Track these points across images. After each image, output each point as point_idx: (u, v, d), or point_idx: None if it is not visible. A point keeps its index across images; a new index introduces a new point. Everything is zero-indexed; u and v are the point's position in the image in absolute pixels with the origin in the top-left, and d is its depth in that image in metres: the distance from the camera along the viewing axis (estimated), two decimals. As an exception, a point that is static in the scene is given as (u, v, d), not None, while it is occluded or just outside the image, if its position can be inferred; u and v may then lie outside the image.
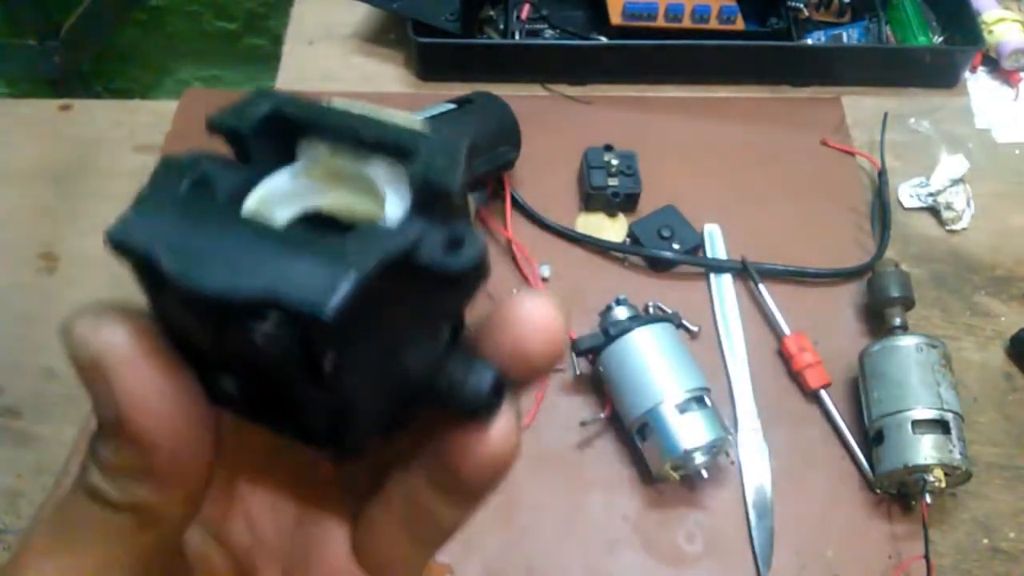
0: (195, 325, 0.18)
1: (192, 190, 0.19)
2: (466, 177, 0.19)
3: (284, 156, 0.20)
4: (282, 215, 0.20)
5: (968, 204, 0.76)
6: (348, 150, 0.20)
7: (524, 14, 0.86)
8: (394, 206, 0.19)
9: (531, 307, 0.19)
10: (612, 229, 0.74)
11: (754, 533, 0.60)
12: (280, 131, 0.20)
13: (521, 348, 0.19)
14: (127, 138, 0.80)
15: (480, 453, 0.19)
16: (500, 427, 0.19)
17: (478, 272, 0.18)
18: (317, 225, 0.20)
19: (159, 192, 0.19)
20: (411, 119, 0.20)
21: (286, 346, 0.17)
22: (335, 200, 0.20)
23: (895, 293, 0.66)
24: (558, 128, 0.80)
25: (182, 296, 0.17)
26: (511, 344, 0.19)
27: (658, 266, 0.72)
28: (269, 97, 0.20)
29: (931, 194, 0.76)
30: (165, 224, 0.18)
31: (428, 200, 0.19)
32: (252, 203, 0.19)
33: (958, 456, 0.57)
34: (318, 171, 0.20)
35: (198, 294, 0.17)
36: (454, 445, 0.19)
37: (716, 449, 0.59)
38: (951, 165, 0.75)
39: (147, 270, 0.18)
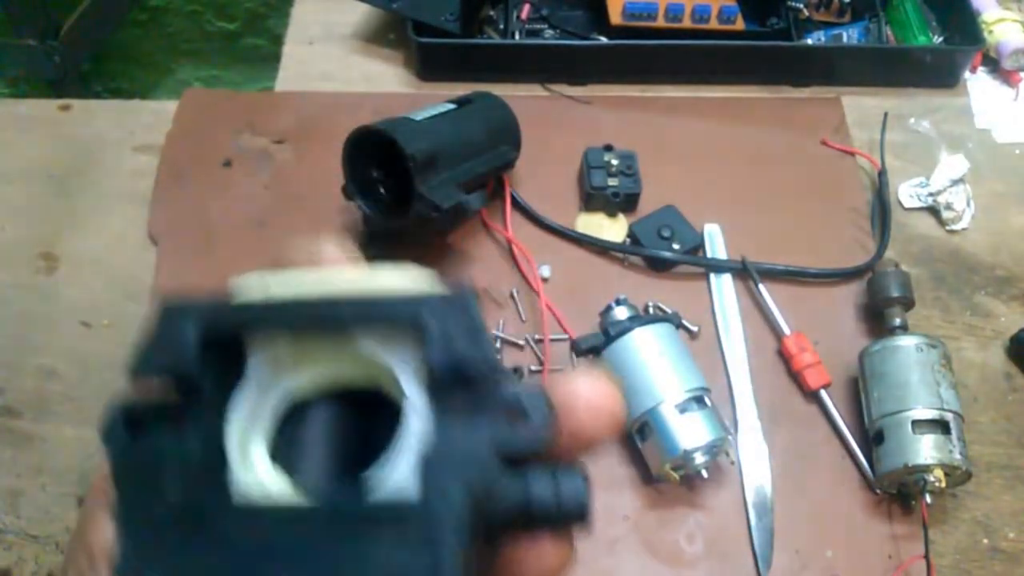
0: None
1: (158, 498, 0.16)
2: (488, 352, 0.17)
3: (228, 366, 0.18)
4: (259, 440, 0.17)
5: (968, 204, 0.76)
6: (321, 336, 0.18)
7: (524, 14, 0.86)
8: (410, 388, 0.17)
9: (589, 391, 0.19)
10: (612, 229, 0.74)
11: (754, 533, 0.60)
12: (218, 345, 0.17)
13: (585, 433, 0.19)
14: (127, 138, 0.80)
15: (563, 555, 0.19)
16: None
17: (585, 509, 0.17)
18: (298, 419, 0.18)
19: (136, 526, 0.16)
20: (374, 277, 0.18)
21: None
22: (315, 380, 0.18)
23: (895, 293, 0.66)
24: (558, 128, 0.80)
25: None
26: (573, 430, 0.19)
27: (658, 266, 0.72)
28: (188, 314, 0.17)
29: (931, 194, 0.76)
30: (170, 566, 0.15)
31: (451, 381, 0.17)
32: (243, 475, 0.17)
33: (958, 456, 0.57)
34: (286, 364, 0.18)
35: None
36: (538, 555, 0.18)
37: (716, 449, 0.59)
38: (951, 165, 0.75)
39: None
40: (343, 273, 0.19)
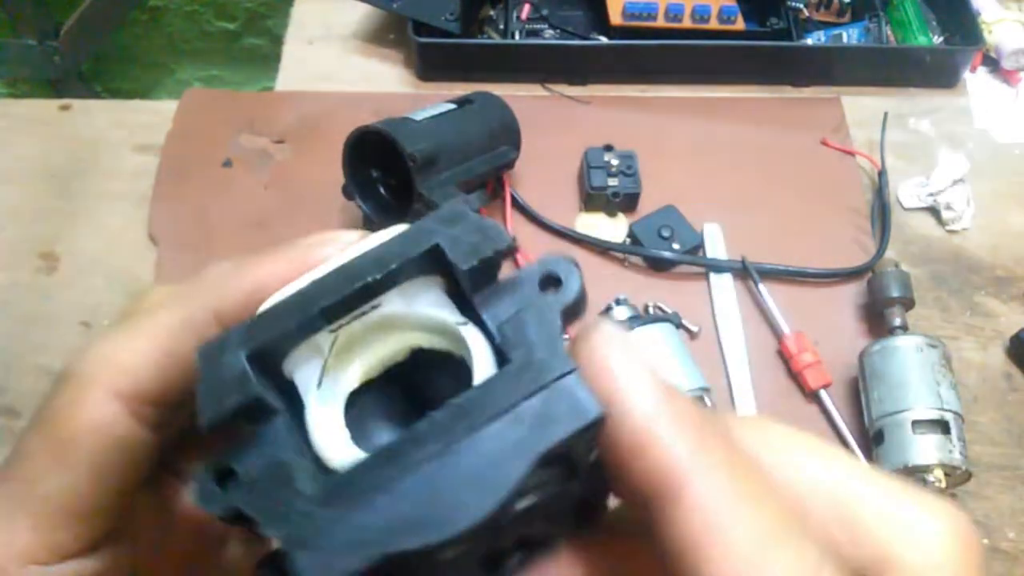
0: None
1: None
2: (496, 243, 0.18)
3: (277, 379, 0.18)
4: (339, 430, 0.18)
5: (968, 204, 0.76)
6: (350, 315, 0.19)
7: (524, 14, 0.86)
8: (455, 315, 0.19)
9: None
10: (612, 229, 0.74)
11: (754, 533, 0.60)
12: (265, 360, 0.18)
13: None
14: (127, 138, 0.80)
15: None
16: None
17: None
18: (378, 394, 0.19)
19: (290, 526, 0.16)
20: (368, 242, 0.19)
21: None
22: (373, 360, 0.19)
23: (895, 293, 0.66)
24: (558, 128, 0.80)
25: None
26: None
27: (658, 266, 0.72)
28: (225, 346, 0.18)
29: (931, 194, 0.76)
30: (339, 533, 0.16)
31: (485, 275, 0.18)
32: (333, 451, 0.17)
33: (958, 456, 0.57)
34: (335, 357, 0.19)
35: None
36: None
37: (716, 449, 0.59)
38: (951, 165, 0.75)
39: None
40: (341, 254, 0.19)
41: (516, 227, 0.73)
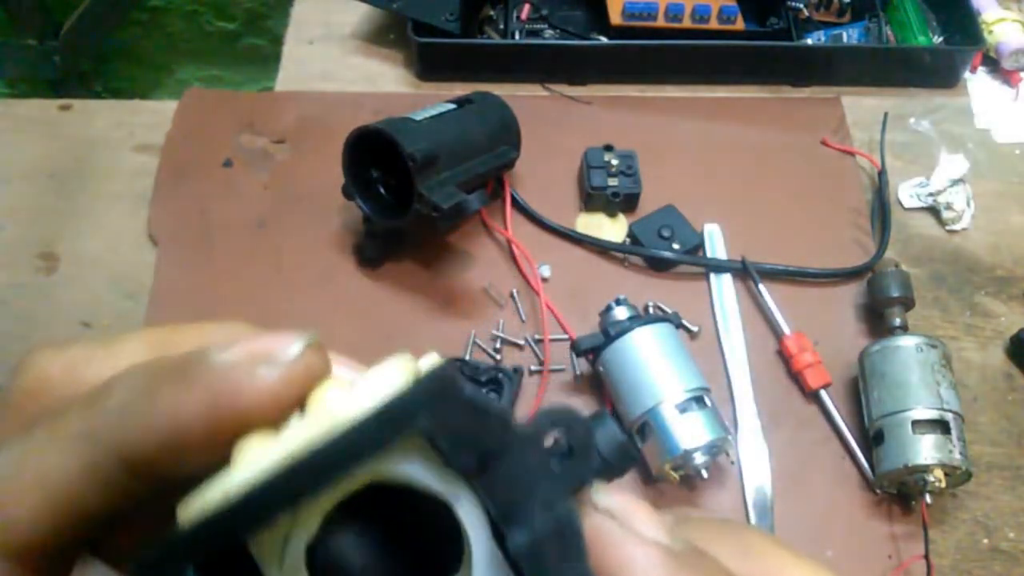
0: None
1: None
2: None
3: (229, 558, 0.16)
4: None
5: (968, 204, 0.76)
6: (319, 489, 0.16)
7: (524, 14, 0.86)
8: (442, 484, 0.16)
9: None
10: (612, 229, 0.74)
11: (754, 533, 0.60)
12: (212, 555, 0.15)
13: None
14: (127, 138, 0.80)
15: None
16: None
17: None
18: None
19: None
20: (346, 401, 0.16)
21: None
22: (330, 505, 0.17)
23: (895, 293, 0.66)
24: (558, 128, 0.80)
25: None
26: None
27: (658, 266, 0.72)
28: (173, 555, 0.15)
29: (931, 194, 0.76)
30: None
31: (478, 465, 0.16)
32: None
33: (958, 456, 0.57)
34: (295, 524, 0.16)
35: None
36: None
37: (716, 449, 0.59)
38: (951, 165, 0.75)
39: None
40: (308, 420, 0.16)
41: (516, 227, 0.73)
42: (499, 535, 0.16)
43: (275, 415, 0.17)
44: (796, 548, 0.19)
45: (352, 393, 0.16)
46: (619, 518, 0.18)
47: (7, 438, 0.18)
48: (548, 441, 0.17)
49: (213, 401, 0.16)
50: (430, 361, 0.18)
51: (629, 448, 0.19)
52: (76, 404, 0.17)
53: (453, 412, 0.15)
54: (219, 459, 0.16)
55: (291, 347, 0.17)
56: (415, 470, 0.16)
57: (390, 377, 0.16)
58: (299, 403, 0.17)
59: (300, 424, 0.17)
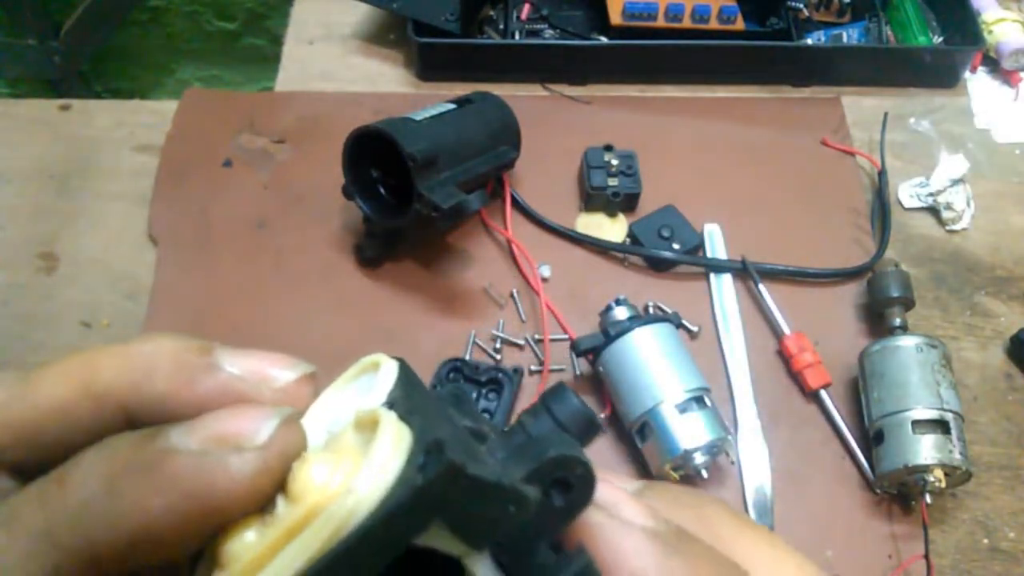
0: None
1: None
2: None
3: None
4: None
5: (968, 204, 0.76)
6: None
7: (524, 14, 0.86)
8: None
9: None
10: (612, 229, 0.74)
11: (754, 533, 0.60)
12: None
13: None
14: (127, 138, 0.80)
15: None
16: None
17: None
18: None
19: None
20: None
21: None
22: None
23: (895, 293, 0.66)
24: (558, 128, 0.80)
25: None
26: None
27: (658, 266, 0.72)
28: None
29: (931, 194, 0.76)
30: None
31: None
32: None
33: (958, 456, 0.57)
34: None
35: None
36: None
37: (716, 449, 0.59)
38: (951, 165, 0.75)
39: None
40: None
41: (516, 227, 0.73)
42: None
43: (254, 504, 0.16)
44: (749, 520, 0.21)
45: (346, 482, 0.15)
46: (606, 508, 0.19)
47: None
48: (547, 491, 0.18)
49: (182, 498, 0.15)
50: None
51: (592, 419, 0.20)
52: (29, 499, 0.16)
53: (459, 496, 0.15)
54: (199, 550, 0.15)
55: (262, 427, 0.16)
56: (430, 539, 0.16)
57: (385, 459, 0.16)
58: (279, 484, 0.16)
59: (289, 516, 0.15)
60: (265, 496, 0.16)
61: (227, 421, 0.16)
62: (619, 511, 0.19)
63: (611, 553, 0.19)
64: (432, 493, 0.15)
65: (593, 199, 0.74)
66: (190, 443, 0.15)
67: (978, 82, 0.86)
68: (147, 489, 0.15)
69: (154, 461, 0.15)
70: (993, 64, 0.86)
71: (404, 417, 0.16)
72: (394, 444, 0.15)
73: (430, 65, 0.84)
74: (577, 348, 0.62)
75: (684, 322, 0.68)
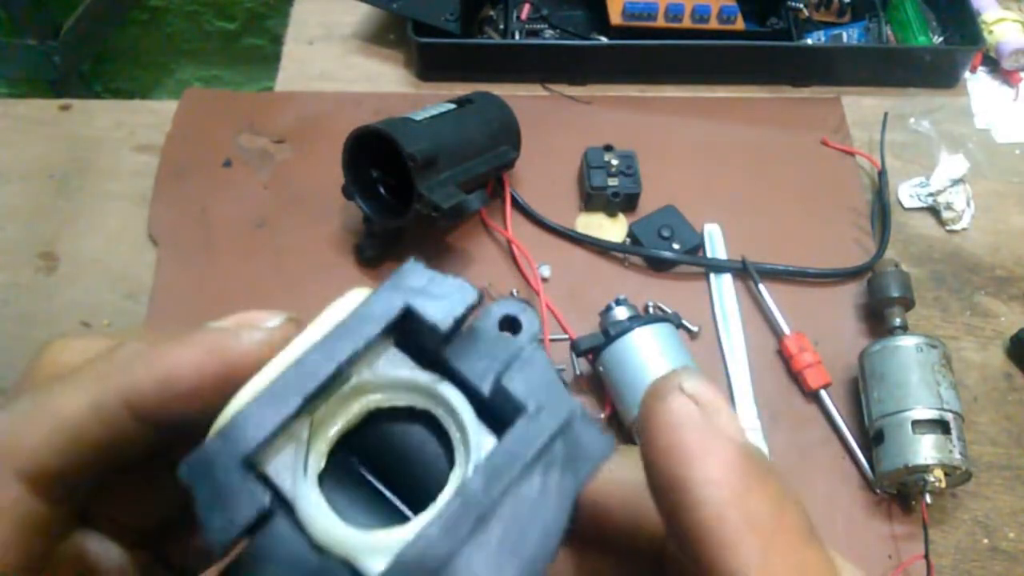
0: None
1: None
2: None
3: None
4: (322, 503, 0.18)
5: (968, 204, 0.76)
6: (324, 395, 0.18)
7: (524, 14, 0.86)
8: (425, 374, 0.19)
9: None
10: (612, 229, 0.74)
11: (754, 533, 0.60)
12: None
13: None
14: (127, 138, 0.80)
15: None
16: None
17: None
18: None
19: None
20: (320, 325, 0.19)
21: None
22: (336, 433, 0.19)
23: (895, 293, 0.66)
24: (558, 128, 0.80)
25: None
26: None
27: (658, 266, 0.72)
28: (215, 457, 0.17)
29: (931, 194, 0.76)
30: None
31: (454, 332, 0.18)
32: (340, 540, 0.17)
33: (958, 456, 0.57)
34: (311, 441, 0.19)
35: None
36: None
37: (716, 449, 0.59)
38: (951, 165, 0.75)
39: None
40: (301, 334, 0.19)
41: (516, 227, 0.73)
42: (479, 409, 0.18)
43: (257, 366, 0.19)
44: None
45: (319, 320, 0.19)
46: (703, 406, 0.18)
47: (26, 389, 0.21)
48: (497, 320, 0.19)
49: (204, 353, 0.19)
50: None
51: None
52: (90, 359, 0.20)
53: (430, 289, 0.18)
54: (212, 412, 0.19)
55: (273, 319, 0.20)
56: (394, 363, 0.19)
57: (352, 300, 0.19)
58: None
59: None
60: (263, 363, 0.19)
61: (247, 314, 0.21)
62: (716, 415, 0.18)
63: (693, 450, 0.17)
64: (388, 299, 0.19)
65: (593, 199, 0.74)
66: (219, 324, 0.20)
67: (978, 82, 0.86)
68: (178, 347, 0.20)
69: (188, 333, 0.20)
70: (993, 64, 0.86)
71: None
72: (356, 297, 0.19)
73: (430, 65, 0.84)
74: (577, 348, 0.62)
75: (684, 322, 0.68)
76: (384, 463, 0.19)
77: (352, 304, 0.19)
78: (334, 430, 0.19)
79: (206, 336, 0.20)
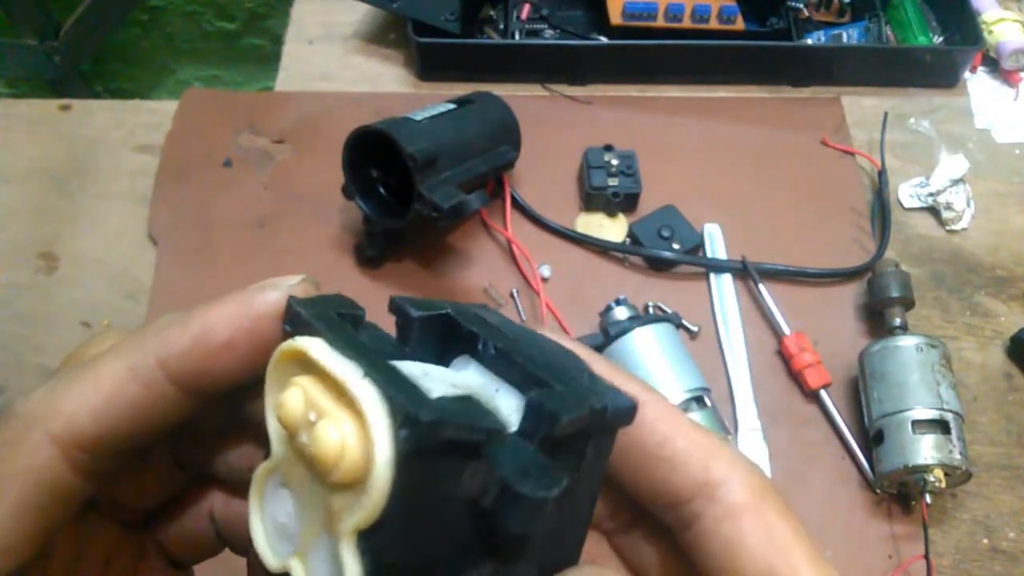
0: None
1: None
2: (577, 425, 0.19)
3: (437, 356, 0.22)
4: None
5: (968, 204, 0.76)
6: (494, 377, 0.20)
7: (524, 14, 0.86)
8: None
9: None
10: (612, 229, 0.74)
11: (754, 533, 0.60)
12: (441, 335, 0.22)
13: None
14: (127, 138, 0.80)
15: None
16: None
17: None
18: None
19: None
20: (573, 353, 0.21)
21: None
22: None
23: (895, 293, 0.66)
24: (558, 128, 0.80)
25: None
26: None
27: (658, 266, 0.72)
28: (453, 305, 0.22)
29: (931, 194, 0.76)
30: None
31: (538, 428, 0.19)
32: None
33: (958, 456, 0.57)
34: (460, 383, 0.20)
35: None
36: None
37: (716, 449, 0.59)
38: (951, 165, 0.75)
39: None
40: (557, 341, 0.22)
41: (516, 227, 0.73)
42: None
43: (277, 322, 0.21)
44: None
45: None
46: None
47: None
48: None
49: (235, 308, 0.21)
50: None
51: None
52: (127, 335, 0.22)
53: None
54: (242, 378, 0.21)
55: (292, 280, 0.22)
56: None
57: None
58: None
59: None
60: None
61: (271, 278, 0.22)
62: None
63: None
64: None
65: (593, 199, 0.74)
66: (246, 288, 0.21)
67: (978, 82, 0.86)
68: (210, 306, 0.21)
69: (219, 298, 0.21)
70: (993, 64, 0.86)
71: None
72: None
73: (430, 65, 0.84)
74: (577, 348, 0.62)
75: (684, 322, 0.68)
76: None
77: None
78: None
79: (235, 295, 0.21)
